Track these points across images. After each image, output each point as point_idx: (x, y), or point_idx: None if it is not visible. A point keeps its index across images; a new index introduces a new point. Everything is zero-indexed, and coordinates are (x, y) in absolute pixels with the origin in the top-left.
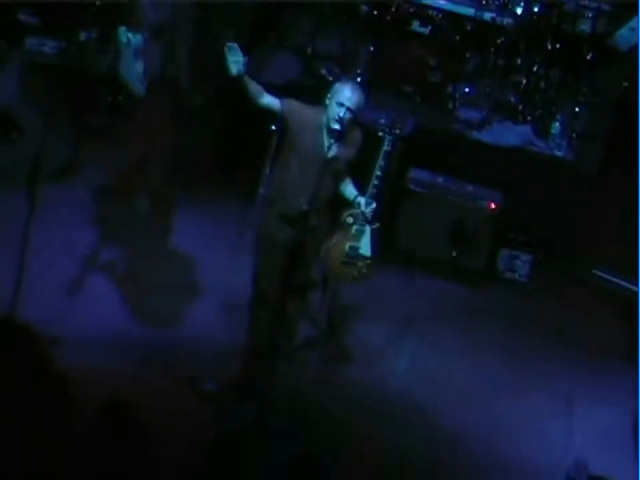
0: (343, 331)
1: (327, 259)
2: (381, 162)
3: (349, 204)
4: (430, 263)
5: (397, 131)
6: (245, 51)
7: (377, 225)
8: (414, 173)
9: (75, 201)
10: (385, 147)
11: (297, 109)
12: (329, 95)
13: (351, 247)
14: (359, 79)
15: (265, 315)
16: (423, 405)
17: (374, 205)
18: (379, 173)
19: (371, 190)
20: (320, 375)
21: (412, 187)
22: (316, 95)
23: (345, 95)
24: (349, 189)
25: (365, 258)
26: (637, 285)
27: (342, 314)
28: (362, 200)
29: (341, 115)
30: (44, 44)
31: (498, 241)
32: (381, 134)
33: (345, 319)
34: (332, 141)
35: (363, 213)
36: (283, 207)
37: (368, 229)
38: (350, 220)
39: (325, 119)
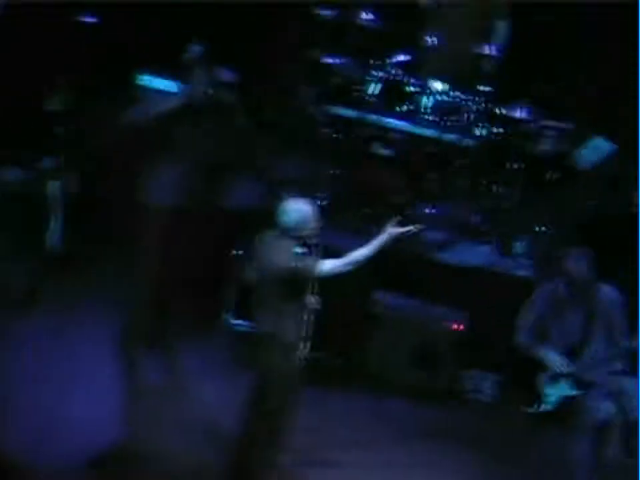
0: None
1: None
2: None
3: None
4: (396, 384)
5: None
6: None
7: None
8: (379, 295)
9: (41, 330)
10: None
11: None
12: (293, 227)
13: None
14: (324, 202)
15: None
16: None
17: None
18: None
19: None
20: None
21: (377, 309)
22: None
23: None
24: None
25: None
26: None
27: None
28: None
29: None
30: (5, 172)
31: (463, 362)
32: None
33: (314, 442)
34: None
35: None
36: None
37: None
38: None
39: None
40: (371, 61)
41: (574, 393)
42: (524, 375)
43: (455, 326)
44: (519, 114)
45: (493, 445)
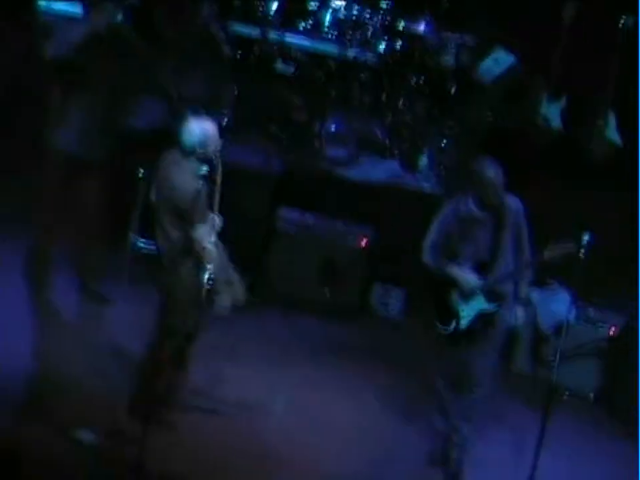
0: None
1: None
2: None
3: None
4: (303, 301)
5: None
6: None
7: None
8: (283, 213)
9: None
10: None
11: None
12: (195, 146)
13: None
14: (225, 120)
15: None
16: (303, 446)
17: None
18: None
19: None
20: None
21: (282, 226)
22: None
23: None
24: None
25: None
26: None
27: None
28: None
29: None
30: None
31: (370, 277)
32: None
33: (221, 362)
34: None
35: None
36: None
37: None
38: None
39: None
40: None
41: (487, 307)
42: (434, 290)
43: (361, 242)
44: (420, 27)
45: (403, 360)
